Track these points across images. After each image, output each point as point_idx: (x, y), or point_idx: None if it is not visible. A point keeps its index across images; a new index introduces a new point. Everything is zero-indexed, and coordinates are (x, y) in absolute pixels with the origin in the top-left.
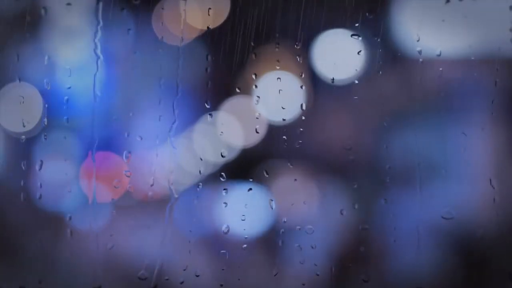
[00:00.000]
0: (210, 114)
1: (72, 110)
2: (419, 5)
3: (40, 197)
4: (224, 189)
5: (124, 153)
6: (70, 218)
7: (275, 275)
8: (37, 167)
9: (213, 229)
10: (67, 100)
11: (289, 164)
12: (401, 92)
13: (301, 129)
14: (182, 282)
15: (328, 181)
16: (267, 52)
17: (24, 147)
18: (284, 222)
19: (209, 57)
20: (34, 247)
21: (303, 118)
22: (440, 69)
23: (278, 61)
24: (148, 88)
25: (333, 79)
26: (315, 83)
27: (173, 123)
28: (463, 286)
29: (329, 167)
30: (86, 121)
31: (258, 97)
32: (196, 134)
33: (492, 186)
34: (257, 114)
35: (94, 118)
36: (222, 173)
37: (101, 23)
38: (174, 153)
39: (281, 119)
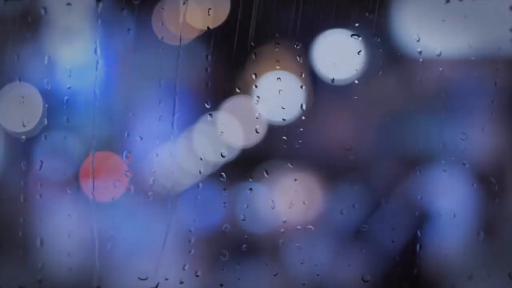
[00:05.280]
0: (210, 114)
1: (72, 110)
2: (419, 5)
3: (40, 197)
4: (224, 189)
5: (124, 153)
6: (70, 218)
7: (275, 275)
8: (37, 167)
9: (213, 229)
10: (67, 100)
11: (289, 164)
12: (401, 92)
13: (301, 129)
14: (182, 282)
15: (328, 181)
16: (267, 52)
17: (24, 147)
18: (284, 222)
19: (209, 57)
20: (34, 246)
21: (303, 118)
22: (440, 69)
23: (278, 61)
24: (148, 88)
25: (333, 79)
26: (315, 83)
27: (173, 123)
28: (463, 285)
29: (329, 167)
30: (86, 121)
31: (258, 97)
32: (196, 134)
33: (492, 186)
34: (257, 114)
35: (94, 118)
36: (222, 173)
37: (101, 23)
38: (174, 153)
39: (281, 119)
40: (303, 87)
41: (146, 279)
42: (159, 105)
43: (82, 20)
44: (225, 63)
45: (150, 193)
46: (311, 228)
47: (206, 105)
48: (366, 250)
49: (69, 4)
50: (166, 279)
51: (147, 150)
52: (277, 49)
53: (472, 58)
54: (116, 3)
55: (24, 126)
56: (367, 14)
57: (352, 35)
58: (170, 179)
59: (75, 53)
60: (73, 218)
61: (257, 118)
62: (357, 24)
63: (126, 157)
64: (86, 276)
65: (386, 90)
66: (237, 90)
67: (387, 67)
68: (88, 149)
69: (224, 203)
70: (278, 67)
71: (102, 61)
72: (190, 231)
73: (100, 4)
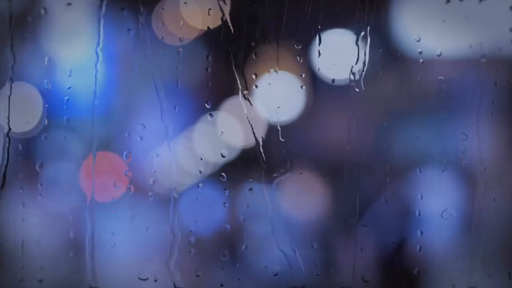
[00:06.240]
0: (210, 114)
1: (72, 110)
2: (419, 5)
3: (40, 197)
4: (224, 189)
5: (124, 153)
6: (70, 218)
7: (275, 275)
8: (37, 167)
9: (213, 229)
10: (67, 100)
11: (289, 164)
12: (401, 92)
13: (301, 129)
14: (182, 282)
15: (328, 181)
16: (267, 52)
17: (24, 147)
18: (284, 221)
19: (209, 57)
20: (34, 246)
21: (303, 118)
22: (440, 69)
23: (278, 61)
24: (148, 88)
25: (333, 79)
26: (315, 83)
27: (173, 123)
28: (463, 285)
29: (329, 167)
30: (86, 121)
31: (258, 97)
32: (196, 134)
33: (492, 186)
34: (257, 114)
35: (94, 118)
36: (222, 173)
37: (101, 23)
38: (174, 153)
39: (281, 119)
40: (303, 87)
41: (146, 279)
42: (159, 105)
43: (82, 20)
44: (225, 63)
45: (150, 193)
46: (311, 228)
47: (206, 105)
48: (366, 250)
49: (69, 4)
50: (166, 279)
51: (147, 150)
52: (277, 49)
53: (472, 58)
54: (116, 3)
55: (24, 126)
56: (367, 14)
57: (356, 38)
58: (170, 179)
59: (75, 53)
60: (73, 218)
61: (257, 118)
62: (357, 24)
63: (126, 157)
64: (86, 276)
65: (386, 90)
66: (237, 90)
67: (387, 67)
68: (88, 149)
69: (224, 203)
70: (278, 67)
71: (102, 61)
72: (190, 231)
73: (100, 4)
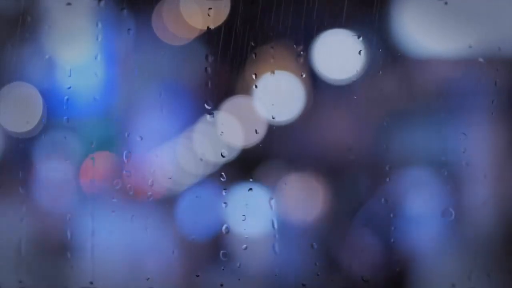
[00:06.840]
0: (210, 114)
1: (72, 110)
2: (419, 5)
3: (40, 197)
4: (224, 189)
5: (124, 153)
6: (70, 217)
7: (275, 275)
8: (37, 167)
9: (213, 228)
10: (67, 100)
11: (289, 164)
12: (401, 92)
13: (301, 129)
14: (182, 282)
15: (328, 181)
16: (267, 52)
17: (24, 147)
18: (284, 221)
19: (209, 57)
20: (34, 246)
21: (303, 118)
22: (440, 69)
23: (277, 61)
24: (148, 88)
25: (333, 79)
26: (315, 83)
27: (173, 123)
28: (463, 285)
29: (329, 167)
30: (86, 121)
31: (258, 97)
32: (196, 134)
33: (492, 186)
34: (257, 114)
35: (94, 118)
36: (222, 173)
37: (101, 23)
38: (174, 153)
39: (281, 119)
40: (303, 87)
41: (147, 279)
42: (159, 105)
43: (82, 20)
44: (225, 63)
45: (150, 193)
46: (311, 228)
47: (206, 105)
48: (366, 250)
49: (69, 4)
50: (167, 279)
51: (147, 150)
52: (276, 50)
53: (473, 58)
54: (116, 3)
55: (24, 126)
56: (367, 14)
57: (354, 36)
58: (170, 179)
59: (75, 53)
60: (73, 218)
61: (257, 118)
62: (357, 24)
63: (126, 157)
64: (85, 275)
65: (386, 90)
66: (237, 90)
67: (387, 67)
68: (88, 149)
69: (224, 203)
70: (278, 68)
71: (102, 61)
72: (190, 231)
73: (100, 4)
